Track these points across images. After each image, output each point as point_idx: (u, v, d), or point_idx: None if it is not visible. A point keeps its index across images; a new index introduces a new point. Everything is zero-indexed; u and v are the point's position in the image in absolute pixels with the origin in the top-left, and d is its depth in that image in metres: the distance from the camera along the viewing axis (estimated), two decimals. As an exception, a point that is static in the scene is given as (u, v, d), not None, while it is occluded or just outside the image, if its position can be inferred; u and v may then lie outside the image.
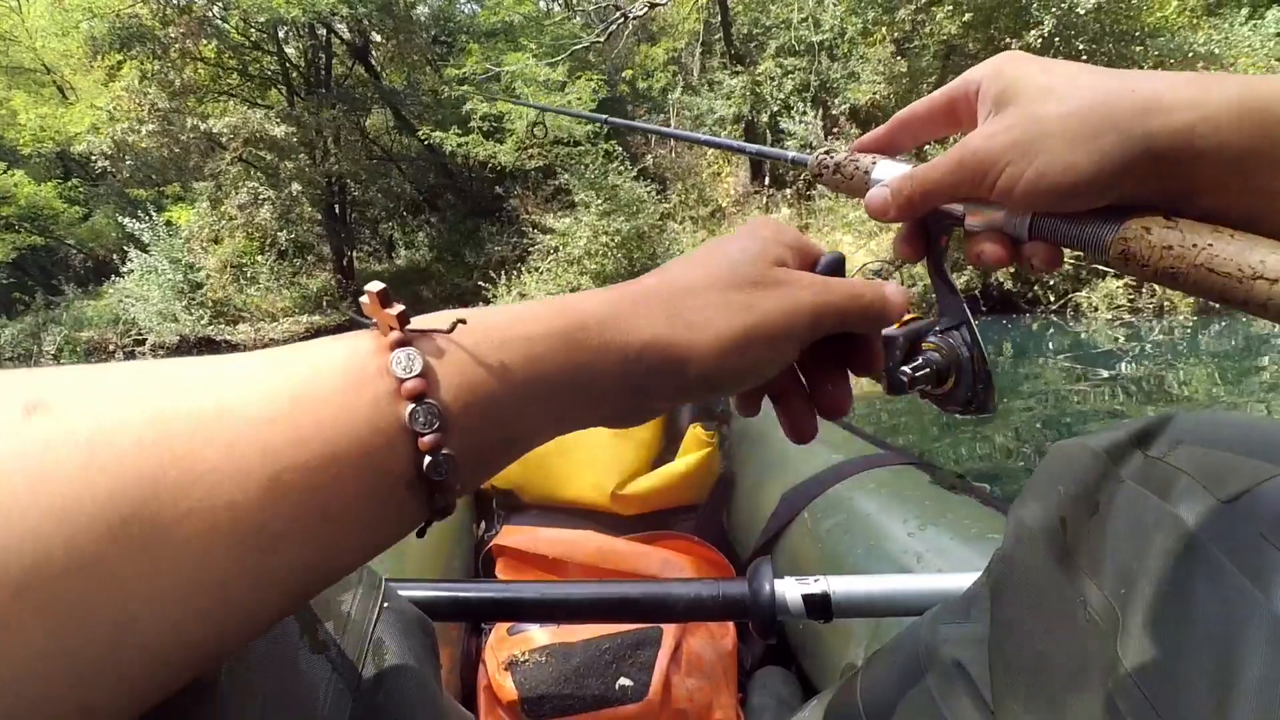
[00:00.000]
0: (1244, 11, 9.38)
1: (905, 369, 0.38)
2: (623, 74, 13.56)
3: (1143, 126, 0.26)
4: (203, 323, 11.99)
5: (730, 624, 0.90)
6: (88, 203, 15.83)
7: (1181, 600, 0.26)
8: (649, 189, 11.23)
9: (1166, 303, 8.29)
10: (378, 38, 13.01)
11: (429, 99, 12.87)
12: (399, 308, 0.23)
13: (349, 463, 0.20)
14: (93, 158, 12.71)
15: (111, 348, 12.45)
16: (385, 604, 0.34)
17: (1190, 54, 8.66)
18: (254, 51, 12.78)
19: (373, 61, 13.25)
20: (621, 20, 13.09)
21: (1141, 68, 0.45)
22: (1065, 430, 3.96)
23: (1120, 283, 8.44)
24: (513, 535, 1.00)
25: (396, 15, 11.86)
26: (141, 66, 11.47)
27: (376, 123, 14.05)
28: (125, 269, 12.62)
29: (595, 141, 11.05)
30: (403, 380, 0.21)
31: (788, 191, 11.85)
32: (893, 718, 0.41)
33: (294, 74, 12.98)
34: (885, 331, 0.36)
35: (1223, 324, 7.52)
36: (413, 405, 0.21)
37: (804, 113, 10.80)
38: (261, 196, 12.56)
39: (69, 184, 15.59)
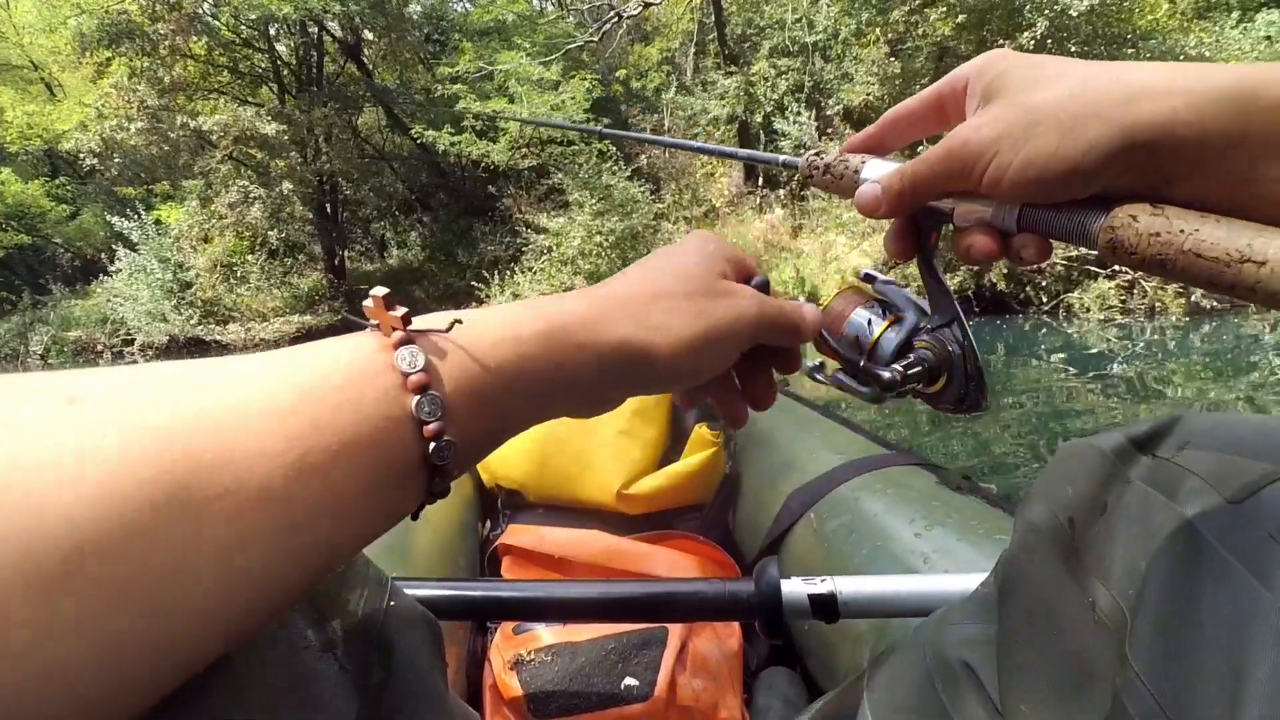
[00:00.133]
0: (1234, 15, 9.48)
1: (897, 367, 0.38)
2: (616, 74, 13.55)
3: (1127, 114, 0.27)
4: (192, 323, 11.87)
5: (736, 624, 0.89)
6: (75, 201, 15.67)
7: (1190, 601, 0.26)
8: (643, 189, 11.23)
9: (1158, 304, 8.35)
10: (370, 35, 12.95)
11: (421, 97, 12.82)
12: (402, 310, 0.25)
13: (362, 448, 0.22)
14: (81, 155, 12.60)
15: (99, 348, 12.31)
16: (392, 603, 0.34)
17: (1181, 57, 8.74)
18: (245, 49, 12.69)
19: (365, 59, 13.20)
20: (615, 20, 13.09)
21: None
22: (1057, 428, 3.98)
23: (1112, 284, 8.50)
24: (518, 534, 1.00)
25: (389, 13, 11.80)
26: (130, 63, 11.37)
27: (368, 121, 13.99)
28: (113, 268, 12.47)
29: (589, 141, 11.03)
30: (408, 374, 0.24)
31: (781, 192, 11.87)
32: (900, 719, 0.41)
33: (285, 72, 12.90)
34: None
35: (1213, 324, 7.58)
36: (418, 396, 0.23)
37: (798, 113, 10.82)
38: (252, 195, 12.46)
39: (56, 182, 15.44)
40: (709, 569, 0.98)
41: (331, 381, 0.23)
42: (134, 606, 0.17)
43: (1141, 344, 6.76)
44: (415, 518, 0.26)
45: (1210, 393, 4.72)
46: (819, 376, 0.43)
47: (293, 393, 0.22)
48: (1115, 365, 5.83)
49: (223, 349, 11.64)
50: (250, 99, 12.90)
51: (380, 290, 0.25)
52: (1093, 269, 8.67)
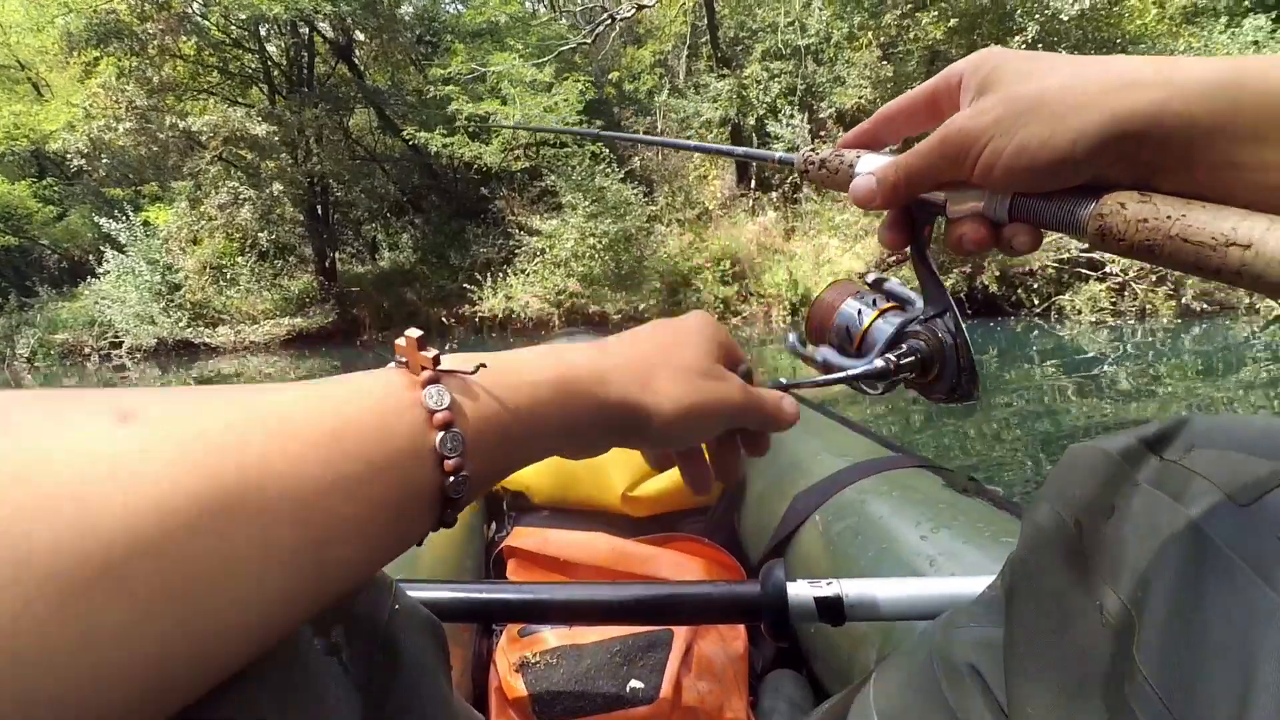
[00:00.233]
0: (1222, 20, 9.58)
1: (890, 357, 0.39)
2: (609, 76, 13.55)
3: (1116, 104, 0.28)
4: (181, 325, 11.71)
5: (741, 627, 0.89)
6: (63, 202, 15.48)
7: (1198, 604, 0.26)
8: (636, 191, 11.22)
9: (1148, 306, 8.41)
10: (361, 36, 12.89)
11: (413, 99, 12.76)
12: (434, 351, 0.27)
13: (388, 477, 0.24)
14: (68, 156, 12.42)
15: (87, 350, 12.14)
16: (396, 606, 0.34)
17: (1170, 61, 8.81)
18: (235, 49, 12.56)
19: (356, 60, 13.12)
20: (608, 22, 13.09)
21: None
22: (1048, 428, 3.99)
23: (1103, 286, 8.55)
24: (524, 537, 1.00)
25: (380, 14, 11.74)
26: (119, 63, 11.24)
27: (360, 122, 13.91)
28: (101, 270, 12.26)
29: (582, 144, 11.02)
30: (434, 411, 0.26)
31: (774, 195, 11.90)
32: None
33: (276, 72, 12.78)
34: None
35: (1203, 327, 7.64)
36: (442, 433, 0.25)
37: (791, 116, 10.85)
38: (242, 196, 12.33)
39: (43, 183, 15.25)
40: (714, 572, 0.97)
41: (365, 413, 0.24)
42: (173, 614, 0.18)
43: (1132, 345, 6.80)
44: (420, 544, 0.27)
45: (1199, 392, 4.78)
46: (802, 349, 0.44)
47: (330, 421, 0.23)
48: (1107, 367, 5.87)
49: (212, 352, 11.55)
50: (240, 100, 12.78)
51: (415, 332, 0.27)
52: (1084, 271, 8.72)
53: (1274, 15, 9.53)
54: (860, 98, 10.62)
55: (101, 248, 12.45)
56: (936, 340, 0.39)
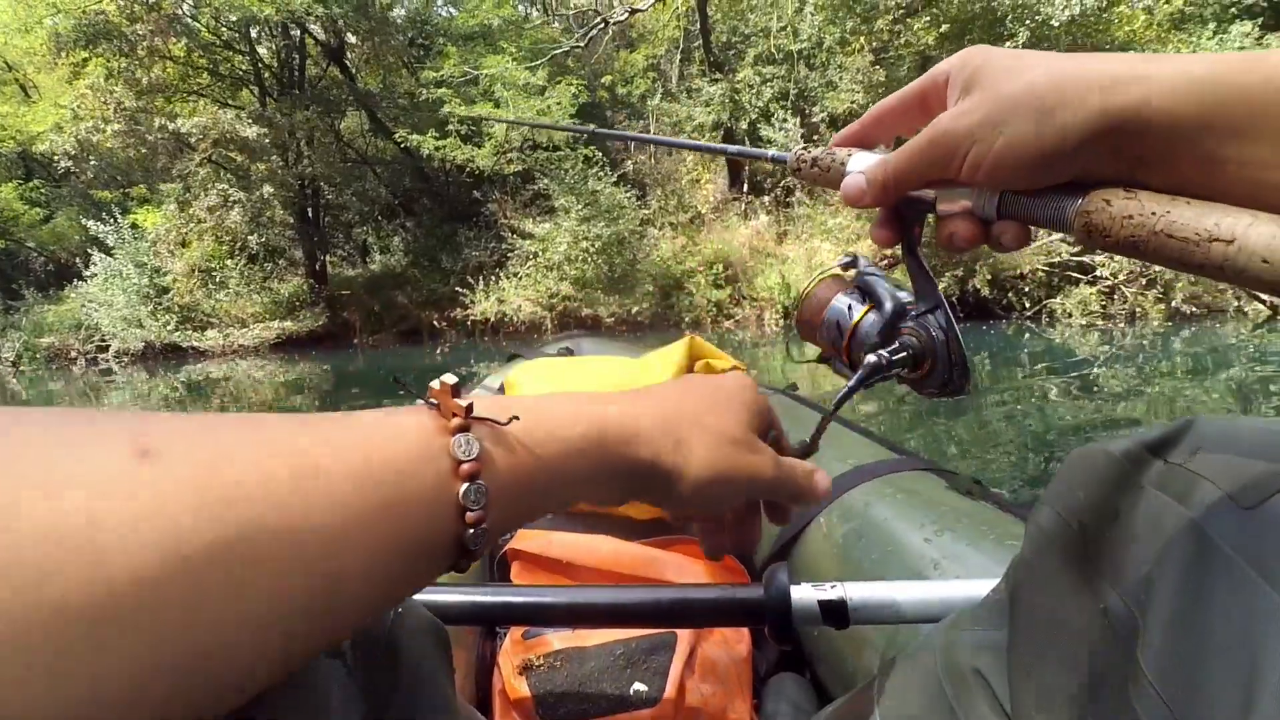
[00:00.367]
0: (1210, 26, 9.69)
1: (883, 353, 0.39)
2: (602, 80, 13.55)
3: (1100, 100, 0.28)
4: (169, 329, 11.62)
5: (745, 630, 0.89)
6: (49, 204, 15.35)
7: (1203, 607, 0.26)
8: (629, 195, 11.23)
9: (1138, 309, 8.48)
10: (353, 39, 12.85)
11: (405, 101, 12.73)
12: (468, 400, 0.27)
13: (407, 524, 0.24)
14: (55, 158, 12.34)
15: (73, 354, 12.02)
16: (399, 609, 0.34)
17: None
18: (225, 51, 12.51)
19: (348, 63, 13.09)
20: (601, 26, 13.10)
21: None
22: (1038, 428, 4.01)
23: (1093, 290, 8.61)
24: (527, 539, 0.98)
25: (372, 16, 11.72)
26: (107, 64, 11.17)
27: (351, 125, 13.86)
28: (88, 273, 12.18)
29: (575, 147, 11.02)
30: (461, 462, 0.26)
31: (766, 199, 11.93)
32: None
33: (266, 74, 12.74)
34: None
35: (1192, 330, 7.70)
36: (467, 484, 0.25)
37: (784, 120, 10.89)
38: (231, 199, 12.26)
39: (30, 185, 15.12)
40: (717, 574, 0.96)
41: (391, 458, 0.24)
42: (181, 656, 0.18)
43: (1122, 349, 6.85)
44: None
45: (1187, 393, 4.82)
46: (798, 356, 0.45)
47: (356, 464, 0.23)
48: (1097, 369, 5.92)
49: (200, 355, 11.45)
50: (230, 102, 12.72)
51: (450, 378, 0.27)
52: (1074, 275, 8.78)
53: (1259, 22, 9.65)
54: (853, 102, 10.67)
55: (89, 250, 12.36)
56: (928, 336, 0.39)
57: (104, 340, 11.82)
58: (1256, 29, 9.54)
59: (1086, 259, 8.56)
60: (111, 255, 12.05)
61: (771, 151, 0.47)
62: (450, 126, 11.12)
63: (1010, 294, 9.24)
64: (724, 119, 11.87)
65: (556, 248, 10.84)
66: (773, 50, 11.76)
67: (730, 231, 11.66)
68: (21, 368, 11.86)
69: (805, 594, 0.57)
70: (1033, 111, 0.29)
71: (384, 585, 0.24)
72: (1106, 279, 8.55)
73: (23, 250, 15.57)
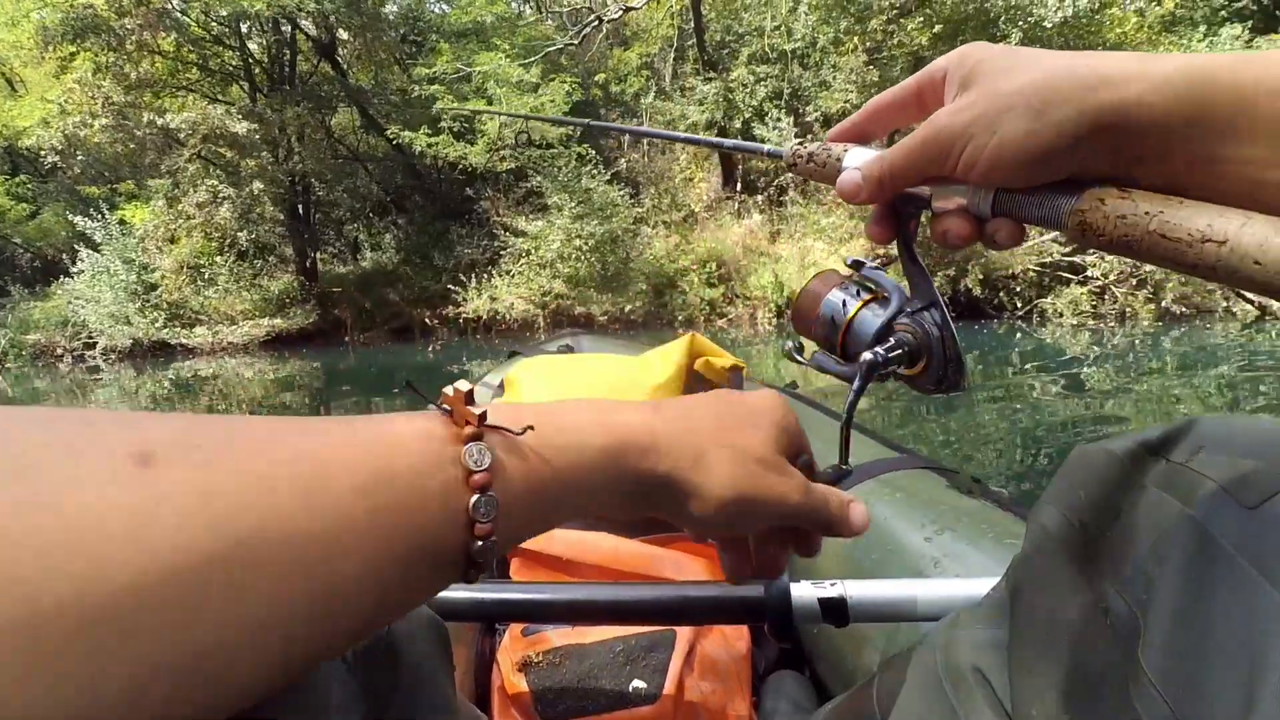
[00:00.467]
0: (1201, 29, 9.77)
1: (879, 350, 0.39)
2: (595, 78, 13.51)
3: (1094, 100, 0.28)
4: (157, 325, 11.49)
5: (744, 627, 0.89)
6: (36, 200, 15.18)
7: (1205, 607, 0.26)
8: (622, 193, 11.20)
9: (1128, 309, 8.53)
10: (345, 35, 12.76)
11: (397, 98, 12.65)
12: (482, 408, 0.26)
13: (414, 535, 0.24)
14: (42, 153, 12.16)
15: (60, 351, 11.89)
16: None
17: (1149, 69, 8.98)
18: (215, 46, 12.37)
19: (339, 59, 12.99)
20: (595, 24, 13.07)
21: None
22: (1028, 423, 4.04)
23: (1084, 290, 8.66)
24: None
25: (364, 12, 11.63)
26: (96, 59, 11.04)
27: (342, 121, 13.77)
28: (75, 269, 12.02)
29: (568, 144, 10.99)
30: (472, 472, 0.25)
31: (759, 198, 11.94)
32: None
33: (257, 70, 12.63)
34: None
35: (1182, 330, 7.75)
36: (477, 495, 0.25)
37: (778, 120, 10.89)
38: (221, 195, 12.15)
39: (16, 180, 14.95)
40: (717, 572, 0.96)
41: (400, 466, 0.23)
42: (179, 666, 0.18)
43: (1112, 348, 6.90)
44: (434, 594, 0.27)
45: (1176, 391, 4.89)
46: (798, 357, 0.44)
47: (363, 472, 0.23)
48: (1087, 368, 5.97)
49: (189, 353, 11.35)
50: (220, 97, 12.60)
51: (464, 385, 0.27)
52: (1065, 275, 8.83)
53: (1249, 25, 9.73)
54: (846, 102, 10.68)
55: (76, 246, 12.23)
56: (924, 333, 0.39)
57: (91, 337, 11.69)
58: (1246, 32, 9.63)
59: (1077, 259, 8.61)
60: (99, 251, 11.92)
61: (768, 147, 0.46)
62: (443, 123, 11.06)
63: (1002, 293, 9.28)
64: (718, 118, 11.86)
65: (549, 245, 10.81)
66: (767, 49, 11.76)
67: (723, 230, 11.65)
68: (7, 365, 11.70)
69: (805, 592, 0.57)
70: (1028, 109, 0.30)
71: (388, 596, 0.24)
72: (1097, 279, 8.61)
73: (9, 246, 15.39)
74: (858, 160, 0.38)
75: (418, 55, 12.84)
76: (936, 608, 0.53)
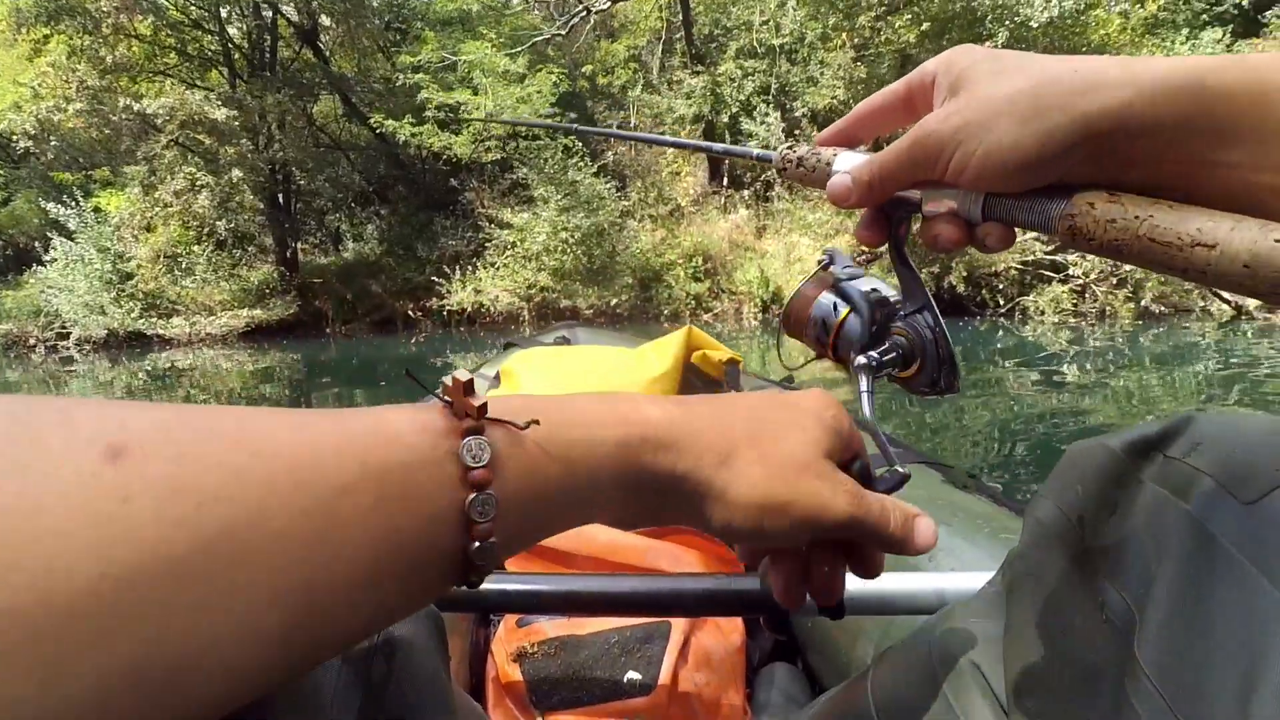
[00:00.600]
0: (1183, 32, 9.90)
1: (873, 353, 0.39)
2: (583, 69, 13.44)
3: (1083, 105, 0.28)
4: (133, 316, 11.27)
5: (739, 619, 0.89)
6: (8, 186, 14.85)
7: (1202, 602, 0.26)
8: (608, 186, 11.15)
9: (1108, 308, 8.65)
10: (327, 21, 12.58)
11: (381, 87, 12.51)
12: (482, 399, 0.25)
13: (405, 537, 0.22)
14: (14, 138, 11.87)
15: (32, 342, 11.62)
16: None
17: (1132, 70, 9.10)
18: (193, 30, 12.15)
19: (321, 45, 12.81)
20: (583, 14, 12.98)
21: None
22: (1007, 416, 4.08)
23: (1065, 288, 8.75)
24: None
25: (348, -2, 11.47)
26: (70, 42, 10.83)
27: (324, 110, 13.58)
28: (48, 258, 11.75)
29: (555, 136, 10.92)
30: (470, 468, 0.23)
31: (745, 193, 11.94)
32: (905, 716, 0.41)
33: (236, 55, 12.42)
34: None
35: (1161, 328, 7.87)
36: (475, 493, 0.23)
37: (765, 114, 10.89)
38: (199, 183, 11.92)
39: (-14, 165, 14.62)
40: (711, 564, 0.96)
41: (391, 464, 0.22)
42: (149, 669, 0.17)
43: (1092, 346, 6.99)
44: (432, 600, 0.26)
45: (1153, 387, 4.99)
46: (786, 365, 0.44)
47: (350, 470, 0.21)
48: (1067, 364, 6.07)
49: (165, 344, 11.16)
50: (199, 83, 12.37)
51: (463, 374, 0.25)
52: (1047, 274, 8.92)
53: (1230, 29, 9.88)
54: (833, 98, 10.71)
55: (49, 234, 11.94)
56: (917, 335, 0.39)
57: (65, 327, 11.44)
58: (1228, 36, 9.77)
59: (1059, 258, 8.71)
60: (73, 240, 11.66)
61: (756, 150, 0.46)
62: (427, 113, 10.93)
63: (985, 291, 9.37)
64: (705, 112, 11.84)
65: (535, 238, 10.74)
66: (754, 44, 11.75)
67: (710, 225, 11.65)
68: (-23, 354, 11.45)
69: None
70: (1017, 116, 0.30)
71: (383, 599, 0.22)
72: (1078, 278, 8.71)
73: (-21, 233, 15.04)
74: (847, 164, 0.38)
75: (402, 43, 12.69)
76: (932, 601, 0.53)
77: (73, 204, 11.70)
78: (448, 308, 11.16)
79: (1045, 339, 7.63)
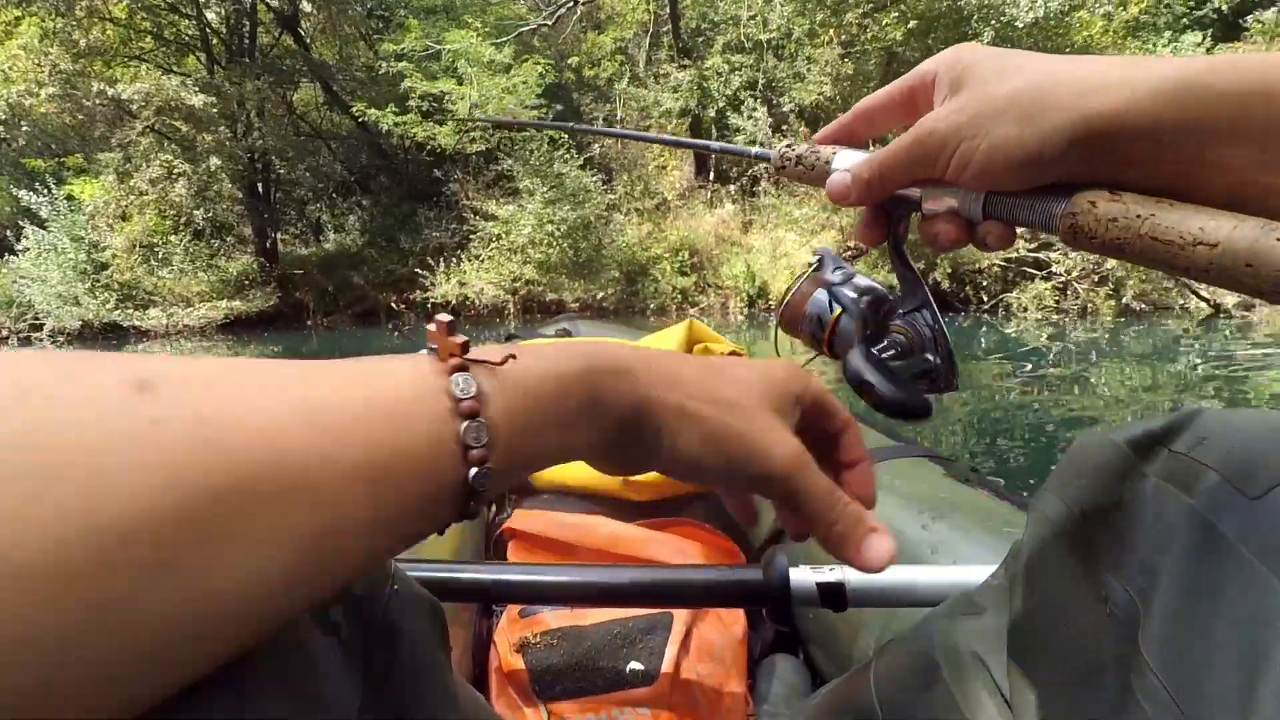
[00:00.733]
0: (1165, 35, 10.04)
1: (873, 351, 0.39)
2: (569, 60, 13.35)
3: (1084, 104, 0.29)
4: (108, 307, 11.05)
5: (740, 611, 0.90)
6: (-24, 172, 14.49)
7: (1206, 596, 0.26)
8: (595, 179, 11.10)
9: (1089, 305, 8.77)
10: (308, 7, 12.38)
11: (363, 75, 12.33)
12: (462, 338, 0.27)
13: (409, 465, 0.24)
14: (-16, 122, 11.59)
15: (4, 333, 11.35)
16: (395, 586, 0.33)
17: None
18: (170, 14, 11.89)
19: (302, 32, 12.60)
20: (569, 5, 12.88)
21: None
22: (991, 407, 4.11)
23: (1048, 285, 8.86)
24: (525, 519, 0.99)
25: (330, -16, 11.28)
26: (43, 24, 10.56)
27: (305, 97, 13.37)
28: (20, 247, 11.50)
29: (540, 128, 10.80)
30: (460, 400, 0.25)
31: (732, 188, 11.94)
32: (907, 709, 0.41)
33: (215, 40, 12.18)
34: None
35: (1142, 326, 8.00)
36: (467, 422, 0.25)
37: (753, 109, 10.89)
38: (176, 171, 11.68)
39: (-46, 150, 14.22)
40: (714, 556, 0.97)
41: (388, 397, 0.24)
42: (175, 592, 0.18)
43: (1074, 342, 7.08)
44: (441, 533, 0.27)
45: (1133, 382, 5.08)
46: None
47: (354, 404, 0.23)
48: (1049, 360, 6.14)
49: (143, 335, 10.94)
50: (175, 68, 12.13)
51: (445, 316, 0.27)
52: (1030, 271, 9.01)
53: (1209, 33, 10.03)
54: (820, 94, 10.73)
55: (20, 223, 11.66)
56: (916, 333, 0.40)
57: (38, 318, 11.18)
58: (1208, 40, 9.92)
59: (1042, 255, 8.80)
60: (45, 228, 11.39)
61: (755, 150, 0.46)
62: (411, 102, 10.78)
63: (969, 287, 9.46)
64: (692, 106, 11.81)
65: (520, 230, 10.66)
66: (742, 39, 11.74)
67: (696, 219, 11.64)
68: (-54, 346, 11.14)
69: (804, 576, 0.58)
70: (1018, 116, 0.30)
71: (386, 530, 0.23)
72: (1060, 275, 8.81)
73: (-54, 220, 14.63)
74: (847, 162, 0.38)
75: (385, 31, 12.50)
76: (934, 594, 0.53)
77: (45, 191, 11.44)
78: (432, 300, 11.04)
79: (1028, 335, 7.72)
